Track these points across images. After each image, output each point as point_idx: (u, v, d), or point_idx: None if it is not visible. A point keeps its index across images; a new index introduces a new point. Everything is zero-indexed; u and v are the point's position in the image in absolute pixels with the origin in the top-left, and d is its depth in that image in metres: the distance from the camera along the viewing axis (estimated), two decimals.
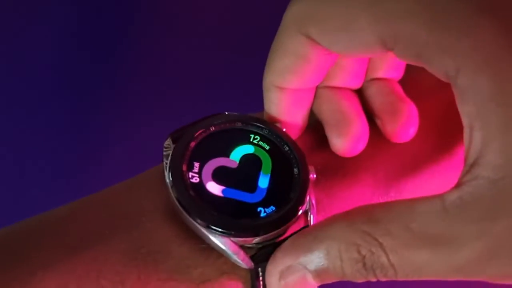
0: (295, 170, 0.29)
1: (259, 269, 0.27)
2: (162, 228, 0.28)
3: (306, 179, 0.29)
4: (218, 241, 0.27)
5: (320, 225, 0.26)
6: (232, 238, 0.27)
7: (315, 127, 0.31)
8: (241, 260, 0.27)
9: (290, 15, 0.28)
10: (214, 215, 0.27)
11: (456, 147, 0.31)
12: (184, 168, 0.28)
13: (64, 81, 0.52)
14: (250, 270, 0.27)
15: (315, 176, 0.29)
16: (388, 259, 0.24)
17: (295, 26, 0.28)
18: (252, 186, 0.28)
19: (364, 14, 0.25)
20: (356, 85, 0.32)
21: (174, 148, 0.28)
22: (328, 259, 0.25)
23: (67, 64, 0.52)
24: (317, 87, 0.31)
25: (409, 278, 0.25)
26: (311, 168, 0.29)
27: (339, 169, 0.30)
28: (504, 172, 0.23)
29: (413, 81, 0.33)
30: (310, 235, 0.26)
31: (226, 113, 0.30)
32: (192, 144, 0.29)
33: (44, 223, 0.28)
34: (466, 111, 0.24)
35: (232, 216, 0.27)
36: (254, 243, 0.27)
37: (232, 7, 0.56)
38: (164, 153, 0.29)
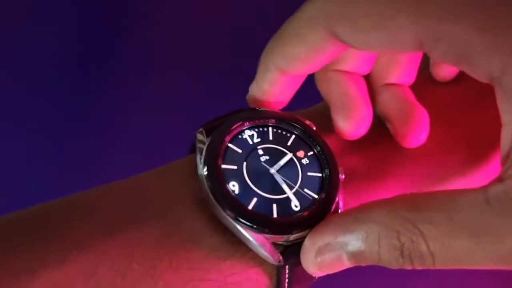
0: (326, 171, 0.29)
1: (287, 266, 0.28)
2: (193, 218, 0.28)
3: (337, 180, 0.29)
4: (248, 235, 0.27)
5: (361, 208, 0.27)
6: (265, 235, 0.27)
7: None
8: (270, 255, 0.27)
9: (317, 8, 0.28)
10: (248, 211, 0.27)
11: (484, 161, 0.32)
12: (219, 162, 0.28)
13: (64, 80, 0.51)
14: (277, 266, 0.28)
15: (343, 177, 0.29)
16: (428, 248, 0.24)
17: (320, 21, 0.28)
18: (284, 185, 0.29)
19: (403, 14, 0.26)
20: (365, 71, 0.33)
21: (209, 141, 0.29)
22: (366, 242, 0.25)
23: (66, 63, 0.52)
24: (326, 70, 0.32)
25: (447, 267, 0.25)
26: (340, 169, 0.29)
27: (367, 173, 0.31)
28: None
29: (449, 95, 0.34)
30: (351, 216, 0.26)
31: (259, 109, 0.31)
32: (227, 138, 0.29)
33: (79, 202, 0.28)
34: (510, 108, 0.25)
35: (264, 213, 0.27)
36: (283, 241, 0.28)
37: (232, 7, 0.56)
38: (198, 145, 0.29)
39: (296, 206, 0.28)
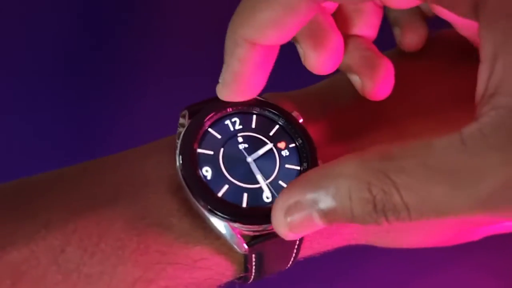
0: (305, 164, 0.29)
1: (253, 255, 0.28)
2: (165, 200, 0.28)
3: None
4: (218, 223, 0.27)
5: (331, 163, 0.25)
6: (231, 224, 0.27)
7: (329, 122, 0.31)
8: (236, 244, 0.27)
9: None
10: (217, 199, 0.27)
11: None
12: (195, 146, 0.28)
13: (63, 80, 0.51)
14: (244, 255, 0.28)
15: None
16: (402, 198, 0.23)
17: None
18: (259, 175, 0.28)
19: None
20: (374, 35, 0.32)
21: (188, 124, 0.29)
22: (337, 198, 0.24)
23: (66, 62, 0.51)
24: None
25: (424, 218, 0.23)
26: (320, 163, 0.29)
27: None
28: None
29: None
30: (321, 172, 0.25)
31: None
32: (207, 123, 0.29)
33: (52, 180, 0.28)
34: (492, 36, 0.23)
35: (233, 201, 0.27)
36: (252, 231, 0.28)
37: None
38: (179, 127, 0.29)
39: (267, 198, 0.28)
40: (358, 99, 0.32)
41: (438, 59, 0.34)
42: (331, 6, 0.31)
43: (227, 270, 0.29)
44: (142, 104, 0.49)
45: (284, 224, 0.25)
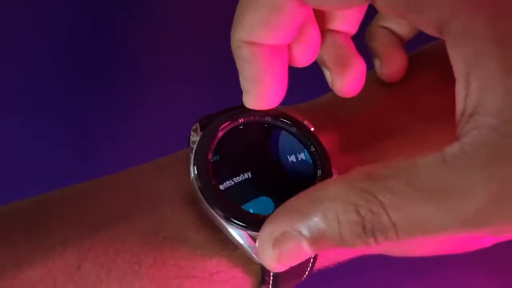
0: (319, 171, 0.29)
1: None
2: (180, 214, 0.28)
3: None
4: (236, 233, 0.27)
5: (316, 187, 0.25)
6: (250, 232, 0.27)
7: (339, 133, 0.32)
8: (256, 254, 0.27)
9: None
10: (234, 208, 0.27)
11: None
12: (209, 159, 0.28)
13: (63, 79, 0.51)
14: (262, 265, 0.28)
15: None
16: (389, 218, 0.23)
17: None
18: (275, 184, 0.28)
19: None
20: (353, 31, 0.32)
21: (201, 136, 0.29)
22: (325, 223, 0.23)
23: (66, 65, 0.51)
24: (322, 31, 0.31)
25: (412, 237, 0.23)
26: (334, 170, 0.29)
27: None
28: (506, 116, 0.22)
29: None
30: (305, 198, 0.25)
31: None
32: (220, 134, 0.29)
33: (67, 197, 0.28)
34: (462, 56, 0.23)
35: (252, 211, 0.27)
36: None
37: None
38: (191, 139, 0.29)
39: None
40: (366, 109, 0.32)
41: (443, 65, 0.34)
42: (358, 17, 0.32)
43: (244, 283, 0.28)
44: (143, 107, 0.49)
45: (272, 257, 0.25)
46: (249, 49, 0.28)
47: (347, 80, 0.31)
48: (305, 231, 0.24)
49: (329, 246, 0.24)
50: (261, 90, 0.29)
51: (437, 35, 0.25)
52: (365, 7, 0.31)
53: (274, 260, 0.25)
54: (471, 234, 0.23)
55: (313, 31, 0.30)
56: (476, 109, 0.23)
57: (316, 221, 0.24)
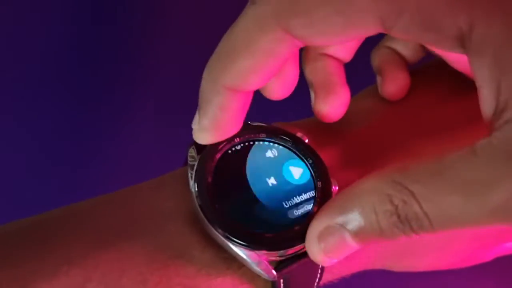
0: (319, 183, 0.29)
1: (281, 280, 0.28)
2: (184, 232, 0.28)
3: (330, 192, 0.29)
4: (240, 251, 0.27)
5: (352, 185, 0.26)
6: (257, 252, 0.27)
7: (339, 148, 0.32)
8: (265, 272, 0.27)
9: (263, 9, 0.26)
10: (237, 228, 0.27)
11: None
12: (209, 180, 0.28)
13: (62, 80, 0.51)
14: (272, 282, 0.28)
15: (337, 188, 0.29)
16: (421, 208, 0.24)
17: (270, 21, 0.26)
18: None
19: None
20: (347, 59, 0.32)
21: (200, 158, 0.29)
22: (363, 215, 0.25)
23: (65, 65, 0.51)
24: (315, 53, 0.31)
25: (447, 228, 0.24)
26: (333, 181, 0.29)
27: None
28: None
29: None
30: (344, 194, 0.26)
31: (249, 122, 0.30)
32: (218, 155, 0.29)
33: (72, 215, 0.28)
34: (486, 62, 0.24)
35: (255, 229, 0.27)
36: (277, 256, 0.27)
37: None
38: (189, 162, 0.29)
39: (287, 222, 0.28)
40: (367, 124, 0.33)
41: (445, 82, 0.34)
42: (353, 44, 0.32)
43: None
44: (143, 109, 0.49)
45: (319, 251, 0.26)
46: (229, 97, 0.27)
47: (328, 106, 0.31)
48: (346, 224, 0.25)
49: (371, 238, 0.25)
50: (221, 130, 0.28)
51: (456, 49, 0.25)
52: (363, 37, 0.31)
53: (321, 254, 0.26)
54: (498, 225, 0.24)
55: (293, 68, 0.30)
56: (507, 105, 0.24)
57: (356, 214, 0.25)
